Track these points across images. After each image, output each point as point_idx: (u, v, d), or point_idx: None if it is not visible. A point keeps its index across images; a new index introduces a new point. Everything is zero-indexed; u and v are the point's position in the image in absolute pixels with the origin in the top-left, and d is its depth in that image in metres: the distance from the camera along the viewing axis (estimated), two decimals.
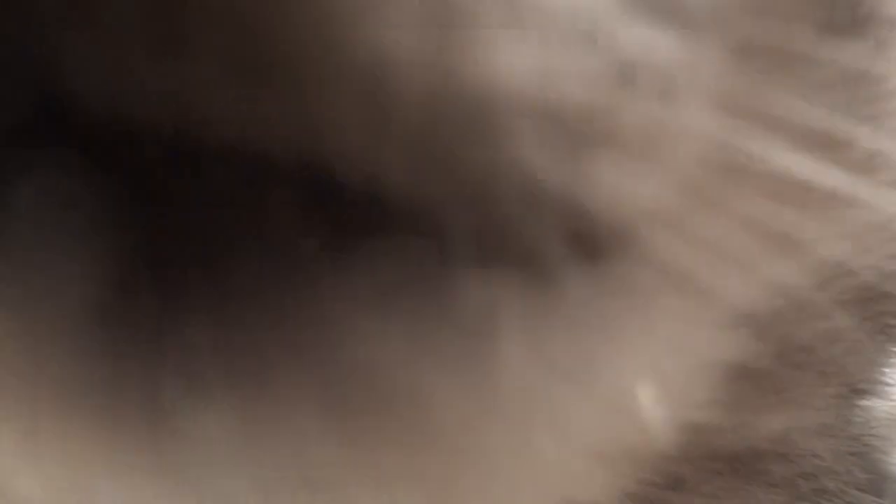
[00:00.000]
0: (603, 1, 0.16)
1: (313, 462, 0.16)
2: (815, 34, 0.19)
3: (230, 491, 0.16)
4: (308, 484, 0.16)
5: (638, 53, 0.16)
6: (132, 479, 0.15)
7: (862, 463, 0.24)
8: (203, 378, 0.15)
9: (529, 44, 0.15)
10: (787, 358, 0.22)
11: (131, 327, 0.15)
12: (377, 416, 0.16)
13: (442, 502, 0.17)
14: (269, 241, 0.15)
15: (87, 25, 0.14)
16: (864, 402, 0.24)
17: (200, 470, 0.15)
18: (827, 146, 0.18)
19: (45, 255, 0.15)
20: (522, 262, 0.16)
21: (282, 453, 0.15)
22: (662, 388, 0.19)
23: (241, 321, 0.15)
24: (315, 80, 0.14)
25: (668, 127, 0.17)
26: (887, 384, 0.24)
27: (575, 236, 0.16)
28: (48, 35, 0.14)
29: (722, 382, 0.21)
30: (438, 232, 0.15)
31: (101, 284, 0.15)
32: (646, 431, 0.19)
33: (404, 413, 0.16)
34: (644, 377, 0.19)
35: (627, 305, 0.18)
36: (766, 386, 0.21)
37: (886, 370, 0.24)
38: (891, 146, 0.19)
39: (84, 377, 0.15)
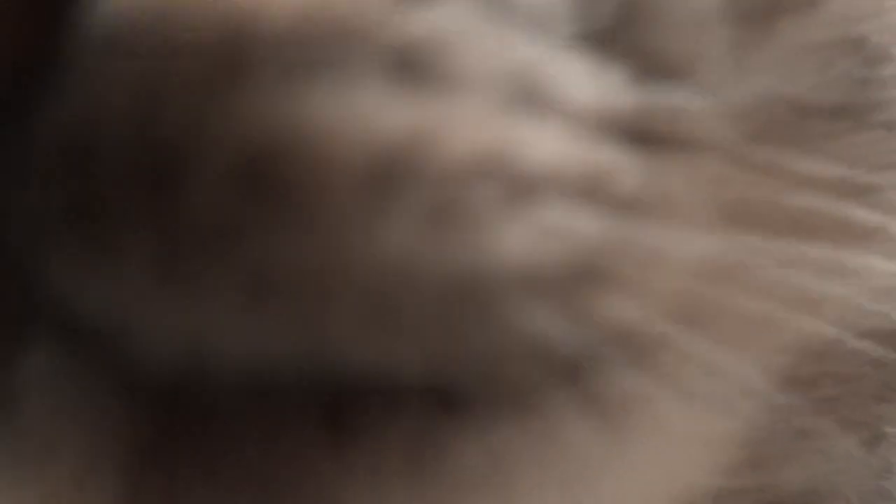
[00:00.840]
0: (598, 156, 0.16)
1: None
2: (824, 124, 0.18)
3: None
4: None
5: (635, 191, 0.16)
6: None
7: (882, 500, 0.24)
8: None
9: (525, 221, 0.15)
10: (805, 413, 0.22)
11: None
12: None
13: None
14: (273, 439, 0.15)
15: (100, 265, 0.14)
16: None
17: None
18: (825, 229, 0.18)
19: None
20: (522, 412, 0.16)
21: None
22: (686, 477, 0.19)
23: None
24: (323, 294, 0.14)
25: (662, 252, 0.16)
26: None
27: (572, 377, 0.16)
28: (63, 273, 0.14)
29: (742, 445, 0.21)
30: (444, 401, 0.15)
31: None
32: None
33: None
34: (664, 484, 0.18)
35: (633, 424, 0.18)
36: (786, 441, 0.21)
37: None
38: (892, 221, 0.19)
39: None
